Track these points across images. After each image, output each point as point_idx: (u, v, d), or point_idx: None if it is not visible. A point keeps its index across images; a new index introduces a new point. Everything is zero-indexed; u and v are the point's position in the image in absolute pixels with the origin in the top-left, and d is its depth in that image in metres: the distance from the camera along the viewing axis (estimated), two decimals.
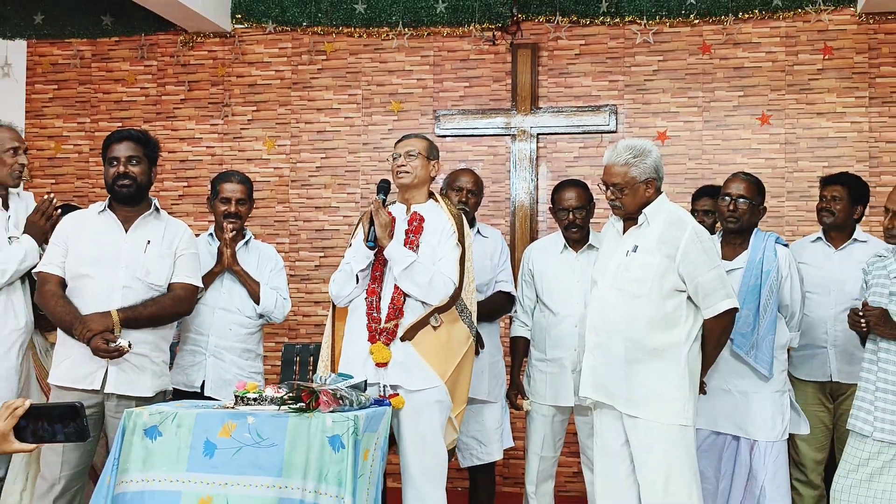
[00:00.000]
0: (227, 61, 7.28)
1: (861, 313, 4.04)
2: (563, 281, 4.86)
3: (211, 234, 4.84)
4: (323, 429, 3.63)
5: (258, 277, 4.72)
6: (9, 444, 2.49)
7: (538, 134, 6.85)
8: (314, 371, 6.35)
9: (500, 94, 6.95)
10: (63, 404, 2.58)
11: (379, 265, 4.19)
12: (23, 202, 4.58)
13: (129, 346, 4.08)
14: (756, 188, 4.66)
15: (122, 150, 4.22)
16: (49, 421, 2.51)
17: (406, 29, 7.03)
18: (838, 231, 5.12)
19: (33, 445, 2.54)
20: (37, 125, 7.42)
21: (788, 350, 4.70)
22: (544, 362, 4.87)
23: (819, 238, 5.16)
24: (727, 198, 4.61)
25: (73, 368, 4.10)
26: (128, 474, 3.72)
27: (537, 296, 4.93)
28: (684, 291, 3.99)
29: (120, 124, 7.31)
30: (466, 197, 4.90)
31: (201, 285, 4.43)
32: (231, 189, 4.78)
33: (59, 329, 4.18)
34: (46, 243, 4.33)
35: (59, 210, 5.96)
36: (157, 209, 4.33)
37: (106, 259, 4.16)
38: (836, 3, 6.54)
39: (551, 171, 6.84)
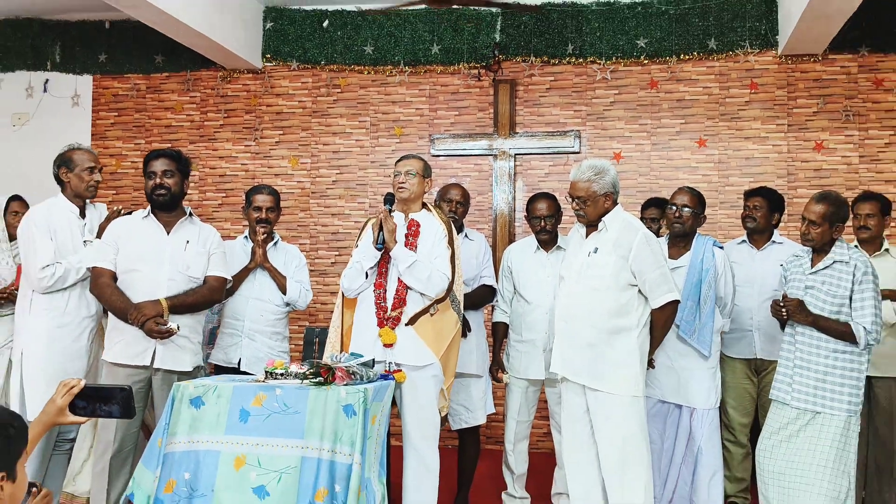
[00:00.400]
0: (259, 93, 7.26)
1: (782, 304, 4.07)
2: (535, 276, 4.87)
3: (246, 237, 4.85)
4: (338, 399, 3.65)
5: (285, 272, 4.73)
6: (65, 416, 2.52)
7: (515, 154, 6.85)
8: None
9: (484, 121, 6.95)
10: (113, 386, 2.61)
11: (384, 263, 4.20)
12: (97, 211, 4.59)
13: (178, 328, 4.10)
14: (698, 200, 4.69)
15: (159, 165, 4.24)
16: (100, 399, 2.53)
17: (407, 67, 7.02)
18: (759, 235, 5.13)
19: (85, 419, 2.57)
20: (100, 146, 7.38)
21: (721, 333, 4.72)
22: (520, 343, 4.88)
23: (744, 241, 5.17)
24: (674, 207, 4.63)
25: (126, 348, 4.11)
26: (176, 437, 3.74)
27: (515, 288, 4.94)
28: (636, 285, 4.00)
29: (170, 145, 7.29)
30: (456, 207, 4.90)
31: (230, 277, 4.44)
32: (262, 199, 4.79)
33: (111, 314, 4.19)
34: None
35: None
36: (191, 215, 4.34)
37: (152, 256, 4.17)
38: (760, 47, 6.56)
39: (526, 185, 6.85)
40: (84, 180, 4.40)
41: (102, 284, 4.15)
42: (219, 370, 4.63)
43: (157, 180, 4.22)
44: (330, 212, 7.11)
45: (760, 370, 5.03)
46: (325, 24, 7.08)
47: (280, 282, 4.70)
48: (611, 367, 3.98)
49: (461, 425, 4.85)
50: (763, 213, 5.09)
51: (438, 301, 4.17)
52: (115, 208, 4.68)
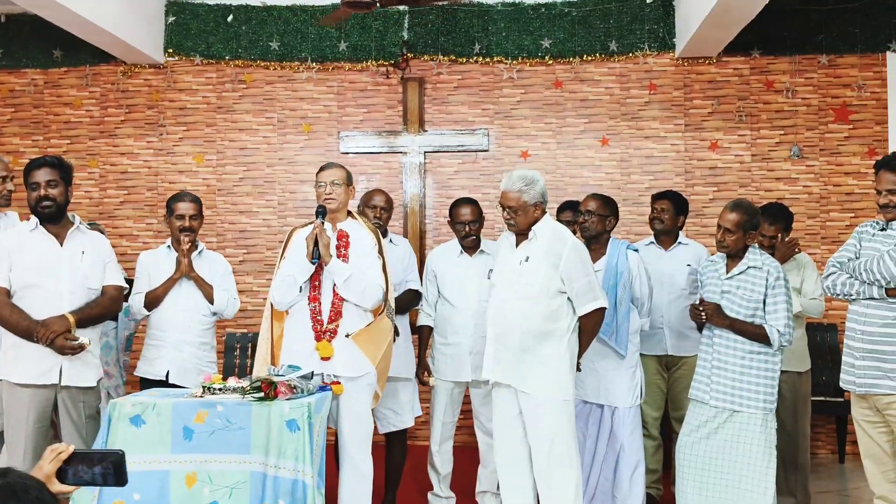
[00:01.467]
0: (161, 89, 7.07)
1: (700, 308, 4.27)
2: (460, 280, 4.94)
3: (168, 246, 4.74)
4: (281, 414, 3.66)
5: (210, 281, 4.66)
6: (52, 485, 2.29)
7: (425, 151, 6.90)
8: (251, 357, 6.33)
9: (393, 119, 6.97)
10: (105, 451, 2.47)
11: (317, 276, 4.18)
12: (10, 220, 4.38)
13: (90, 342, 4.00)
14: (604, 203, 4.80)
15: (41, 175, 4.02)
16: (89, 465, 2.33)
17: (314, 63, 6.97)
18: (666, 236, 5.33)
19: (73, 487, 2.35)
20: None
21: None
22: (446, 346, 4.95)
23: (651, 242, 5.36)
24: (583, 213, 4.77)
25: (30, 366, 3.94)
26: None
27: (439, 292, 5.01)
28: (565, 293, 4.13)
29: (69, 142, 7.09)
30: (380, 213, 4.92)
31: (126, 286, 4.35)
32: (184, 207, 4.69)
33: (8, 332, 3.97)
34: None
35: None
36: (80, 224, 4.18)
37: (49, 270, 4.00)
38: (658, 49, 6.80)
39: (436, 182, 6.92)
40: None
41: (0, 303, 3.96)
42: (145, 383, 4.53)
43: (42, 192, 4.02)
44: (237, 209, 7.01)
45: (671, 366, 5.26)
46: (230, 18, 6.96)
47: (206, 291, 4.62)
48: (541, 371, 4.10)
49: (389, 429, 4.90)
50: (670, 215, 5.29)
51: (377, 313, 4.21)
52: None
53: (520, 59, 6.87)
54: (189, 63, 7.06)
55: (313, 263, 4.10)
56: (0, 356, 4.04)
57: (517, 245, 4.25)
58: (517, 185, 4.16)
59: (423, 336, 5.05)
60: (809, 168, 6.72)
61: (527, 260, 4.16)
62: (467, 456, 5.42)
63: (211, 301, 4.63)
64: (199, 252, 4.72)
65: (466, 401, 5.07)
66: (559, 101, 6.89)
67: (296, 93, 7.02)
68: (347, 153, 6.94)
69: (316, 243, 4.08)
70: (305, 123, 7.00)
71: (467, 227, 4.94)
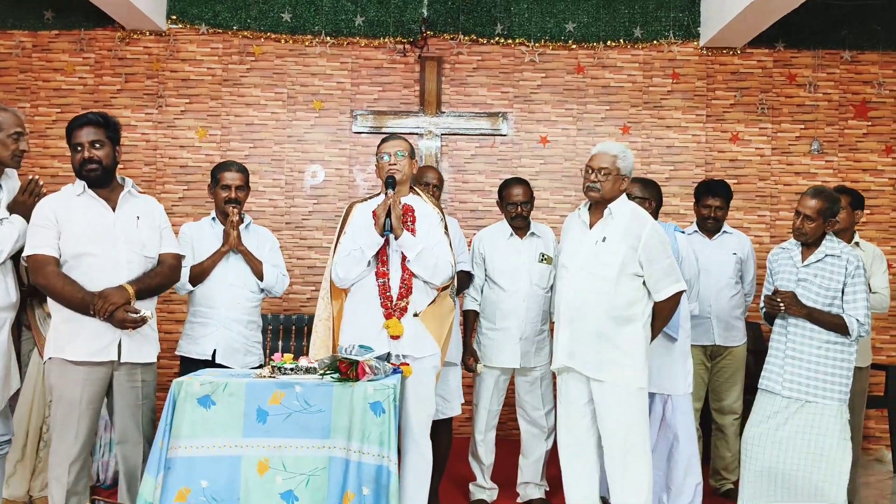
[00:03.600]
0: (162, 57, 6.68)
1: (777, 298, 4.13)
2: (510, 263, 4.74)
3: (213, 218, 4.44)
4: (365, 396, 3.40)
5: (259, 257, 4.37)
6: None
7: (442, 134, 6.67)
8: (283, 339, 6.02)
9: (409, 99, 6.72)
10: None
11: (384, 251, 3.94)
12: (12, 182, 3.95)
13: (151, 315, 3.70)
14: (645, 187, 4.67)
15: (85, 135, 3.70)
16: None
17: (328, 38, 6.67)
18: (714, 231, 5.24)
19: None
20: None
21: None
22: (493, 331, 4.74)
23: (696, 231, 5.26)
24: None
25: (87, 343, 3.61)
26: (181, 440, 3.36)
27: (487, 275, 4.79)
28: (641, 276, 3.96)
29: (59, 110, 6.65)
30: (433, 191, 4.69)
31: (184, 254, 4.05)
32: (231, 177, 4.41)
33: (59, 306, 3.63)
34: None
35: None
36: (133, 187, 3.86)
37: (104, 237, 3.67)
38: (683, 38, 6.69)
39: (452, 165, 6.69)
40: (8, 147, 3.76)
41: (52, 273, 3.59)
42: (187, 363, 4.21)
43: (86, 153, 3.69)
44: None
45: (716, 356, 5.17)
46: None
47: (256, 266, 4.34)
48: (618, 358, 3.93)
49: (437, 416, 4.64)
50: (724, 212, 5.22)
51: (443, 289, 3.98)
52: (31, 178, 4.00)
53: (542, 41, 6.69)
54: (194, 31, 6.68)
55: (384, 236, 3.85)
56: (50, 334, 3.70)
57: (591, 225, 4.06)
58: (616, 149, 4.00)
59: (468, 321, 4.83)
60: (828, 163, 6.68)
61: (604, 240, 3.97)
62: (507, 447, 5.22)
63: (260, 277, 4.34)
64: (247, 226, 4.43)
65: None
66: (581, 87, 6.73)
67: (307, 68, 6.71)
68: (360, 133, 6.67)
69: (388, 215, 3.83)
70: (317, 100, 6.69)
71: (519, 207, 4.74)
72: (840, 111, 6.70)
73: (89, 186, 3.73)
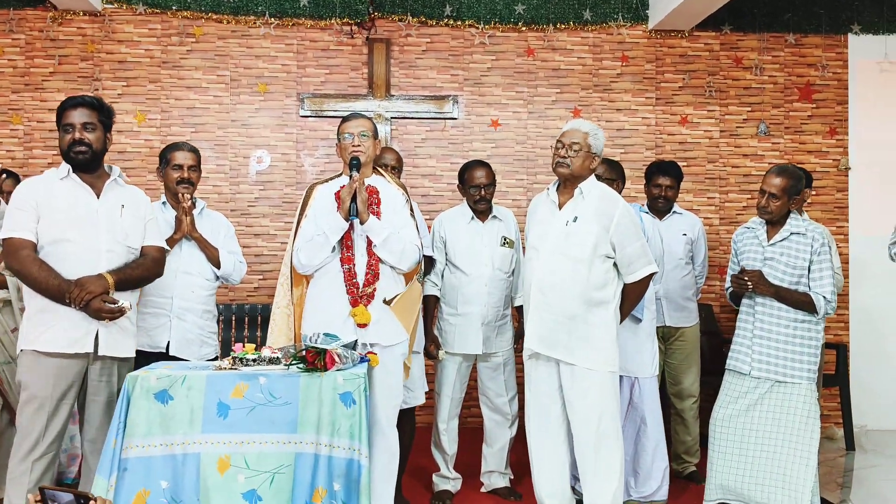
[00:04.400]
0: (97, 38, 6.38)
1: (745, 276, 4.09)
2: (472, 247, 4.63)
3: (164, 203, 4.23)
4: (334, 386, 3.26)
5: (213, 243, 4.17)
6: None
7: (391, 118, 6.51)
8: (236, 330, 5.80)
9: (357, 82, 6.54)
10: (75, 493, 2.33)
11: (349, 235, 3.78)
12: None
13: (130, 306, 3.49)
14: (611, 168, 4.70)
15: (77, 116, 3.53)
16: None
17: (272, 19, 6.45)
18: (665, 211, 5.21)
19: None
20: None
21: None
22: (455, 317, 4.62)
23: (645, 212, 5.20)
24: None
25: (62, 333, 3.41)
26: (135, 438, 3.17)
27: (447, 259, 4.67)
28: (612, 258, 3.88)
29: None
30: (391, 172, 4.53)
31: (168, 248, 3.86)
32: (182, 157, 4.22)
33: (34, 295, 3.44)
34: None
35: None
36: (119, 175, 3.68)
37: (85, 224, 3.49)
38: (632, 21, 6.65)
39: (402, 149, 6.50)
40: None
41: (26, 258, 3.40)
42: (139, 357, 3.99)
43: (77, 134, 3.51)
44: None
45: (668, 338, 5.13)
46: None
47: (211, 253, 4.15)
48: (589, 342, 3.85)
49: (401, 406, 4.52)
50: (674, 191, 5.18)
51: (410, 277, 3.85)
52: None
53: (492, 23, 6.57)
54: (130, 12, 6.40)
55: (350, 221, 3.69)
56: (22, 325, 3.50)
57: (560, 206, 3.96)
58: (587, 127, 3.92)
59: (429, 307, 4.69)
60: (775, 145, 6.72)
61: (574, 220, 3.88)
62: (469, 435, 5.12)
63: (217, 265, 4.15)
64: (200, 211, 4.23)
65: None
66: (531, 70, 6.63)
67: (251, 49, 6.48)
68: (307, 117, 6.48)
69: (353, 199, 3.68)
70: (261, 83, 6.47)
71: (482, 190, 4.63)
72: (785, 94, 6.74)
73: (75, 170, 3.54)
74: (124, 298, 3.46)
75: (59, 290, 3.36)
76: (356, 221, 3.72)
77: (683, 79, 6.69)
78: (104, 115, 3.62)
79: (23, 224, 3.44)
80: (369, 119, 3.95)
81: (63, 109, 3.57)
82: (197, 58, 6.45)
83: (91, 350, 3.44)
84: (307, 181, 6.45)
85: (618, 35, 6.67)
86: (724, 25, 6.68)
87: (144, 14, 6.40)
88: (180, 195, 4.13)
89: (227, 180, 6.45)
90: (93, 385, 3.50)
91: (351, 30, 6.49)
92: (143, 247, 3.66)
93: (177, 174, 4.17)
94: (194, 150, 4.27)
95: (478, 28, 6.57)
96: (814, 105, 6.75)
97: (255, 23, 6.45)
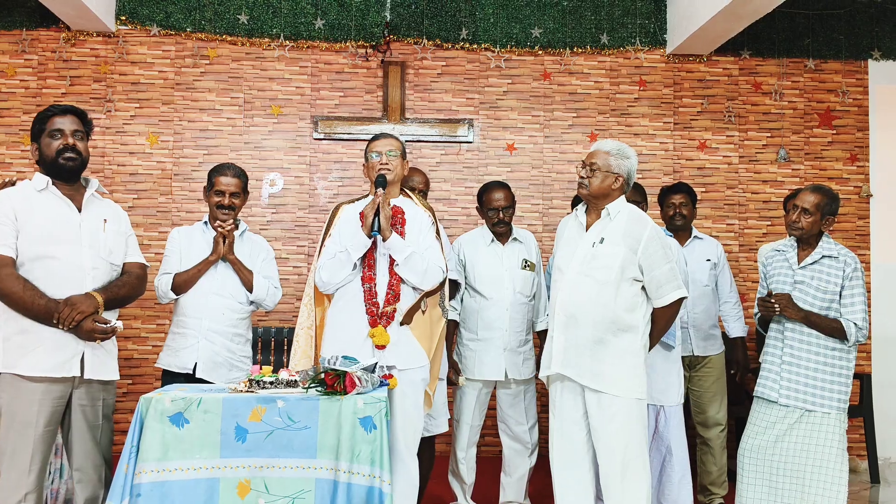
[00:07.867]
0: (111, 59, 6.31)
1: (772, 300, 3.96)
2: (492, 270, 4.52)
3: (205, 223, 4.18)
4: (354, 410, 3.13)
5: (250, 267, 4.08)
6: None
7: (406, 141, 6.37)
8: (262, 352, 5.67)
9: (372, 105, 6.45)
10: None
11: (371, 254, 3.67)
12: None
13: (122, 327, 3.36)
14: (634, 191, 4.59)
15: (68, 123, 3.40)
16: None
17: (286, 41, 6.38)
18: (682, 231, 5.08)
19: None
20: None
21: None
22: (475, 342, 4.51)
23: (669, 235, 5.08)
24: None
25: (47, 356, 3.24)
26: (150, 463, 3.03)
27: (468, 283, 4.55)
28: (640, 281, 3.75)
29: None
30: (418, 195, 4.42)
31: (147, 264, 3.73)
32: (226, 182, 4.14)
33: (12, 315, 3.24)
34: None
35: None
36: (98, 189, 3.54)
37: (66, 239, 3.33)
38: (649, 45, 6.57)
39: None
40: None
41: (7, 277, 3.21)
42: (168, 376, 3.89)
43: (69, 140, 3.37)
44: (196, 196, 6.28)
45: (694, 365, 4.99)
46: None
47: (245, 277, 4.05)
48: (616, 368, 3.70)
49: (423, 434, 4.37)
50: (689, 208, 5.08)
51: (429, 294, 3.72)
52: (6, 179, 3.72)
53: (508, 47, 6.49)
54: (144, 33, 6.33)
55: (372, 237, 3.58)
56: (0, 346, 3.29)
57: (587, 227, 3.84)
58: (611, 147, 3.83)
59: (448, 331, 4.54)
60: (795, 172, 6.61)
61: (601, 242, 3.76)
62: (487, 464, 4.96)
63: (250, 288, 4.03)
64: (241, 233, 4.13)
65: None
66: (547, 94, 6.54)
67: (265, 72, 6.40)
68: (321, 140, 6.39)
69: (376, 215, 3.56)
70: (275, 106, 6.38)
71: (501, 213, 4.52)
72: (805, 119, 6.64)
73: (62, 179, 3.39)
74: (112, 318, 3.33)
75: (47, 311, 3.20)
76: (379, 238, 3.61)
77: (702, 104, 6.59)
78: (88, 126, 3.52)
79: (2, 240, 3.25)
80: (398, 139, 3.87)
81: (49, 116, 3.42)
82: (210, 80, 6.37)
83: (77, 373, 3.29)
84: (320, 204, 6.35)
85: (635, 59, 6.58)
86: (743, 50, 6.59)
87: (158, 35, 6.33)
88: (218, 221, 4.03)
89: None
90: (78, 410, 3.34)
91: (366, 53, 6.42)
92: (125, 263, 3.53)
93: (218, 199, 4.12)
94: (240, 175, 4.20)
95: (494, 51, 6.49)
96: (834, 131, 6.65)
97: (269, 45, 6.38)
